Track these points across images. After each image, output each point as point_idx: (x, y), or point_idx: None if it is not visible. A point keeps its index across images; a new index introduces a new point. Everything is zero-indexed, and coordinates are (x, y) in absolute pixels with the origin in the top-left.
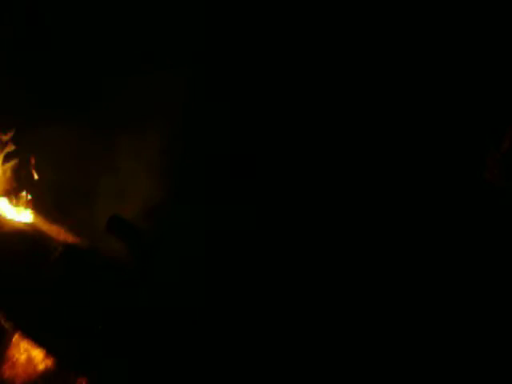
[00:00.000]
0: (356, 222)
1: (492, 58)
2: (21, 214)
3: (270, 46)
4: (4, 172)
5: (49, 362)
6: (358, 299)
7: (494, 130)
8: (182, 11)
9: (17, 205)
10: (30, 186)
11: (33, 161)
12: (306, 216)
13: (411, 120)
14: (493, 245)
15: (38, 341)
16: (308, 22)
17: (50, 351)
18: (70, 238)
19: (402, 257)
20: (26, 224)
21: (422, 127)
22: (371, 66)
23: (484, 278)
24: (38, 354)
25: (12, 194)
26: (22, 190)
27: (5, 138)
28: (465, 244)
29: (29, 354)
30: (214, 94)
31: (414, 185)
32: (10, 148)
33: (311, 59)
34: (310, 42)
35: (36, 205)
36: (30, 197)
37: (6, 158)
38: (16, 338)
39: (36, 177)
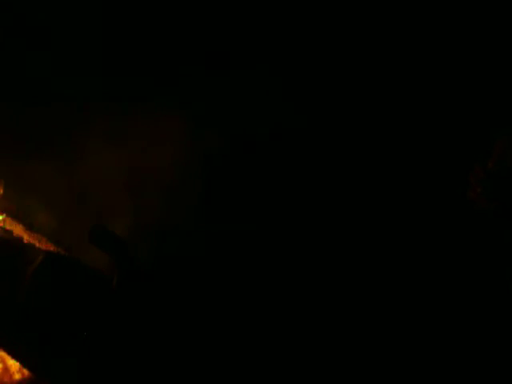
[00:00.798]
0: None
1: (477, 77)
2: None
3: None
4: None
5: (26, 372)
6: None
7: (479, 149)
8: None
9: None
10: None
11: None
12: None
13: (395, 130)
14: (470, 262)
15: (12, 353)
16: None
17: (24, 365)
18: (51, 247)
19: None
20: (3, 230)
21: (405, 139)
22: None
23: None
24: (14, 364)
25: None
26: None
27: None
28: (443, 262)
29: (5, 364)
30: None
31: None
32: None
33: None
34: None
35: (16, 211)
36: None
37: None
38: None
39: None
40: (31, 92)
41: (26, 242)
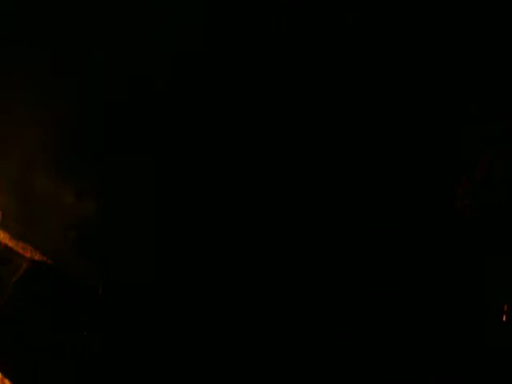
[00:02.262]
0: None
1: (465, 89)
2: None
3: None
4: None
5: (7, 382)
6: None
7: (466, 160)
8: None
9: None
10: None
11: None
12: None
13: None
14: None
15: None
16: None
17: (5, 375)
18: (36, 256)
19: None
20: None
21: (392, 150)
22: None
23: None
24: None
25: None
26: None
27: None
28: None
29: None
30: None
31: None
32: None
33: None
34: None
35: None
36: None
37: None
38: None
39: None
40: None
41: (11, 248)
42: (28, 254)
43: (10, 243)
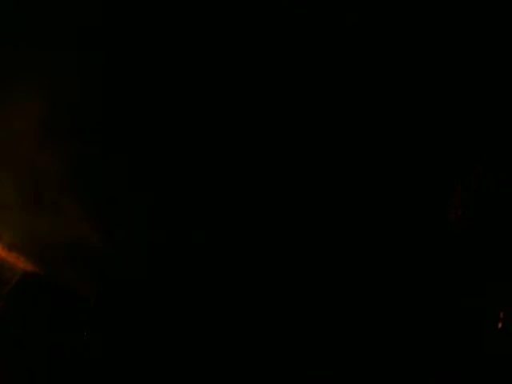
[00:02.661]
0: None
1: (461, 97)
2: None
3: None
4: None
5: None
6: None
7: (461, 169)
8: None
9: None
10: None
11: None
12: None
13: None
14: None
15: None
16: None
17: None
18: (28, 267)
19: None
20: None
21: (387, 157)
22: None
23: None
24: None
25: None
26: None
27: None
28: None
29: None
30: None
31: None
32: None
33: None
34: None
35: None
36: None
37: None
38: None
39: None
40: None
41: (3, 260)
42: (21, 265)
43: (3, 254)
